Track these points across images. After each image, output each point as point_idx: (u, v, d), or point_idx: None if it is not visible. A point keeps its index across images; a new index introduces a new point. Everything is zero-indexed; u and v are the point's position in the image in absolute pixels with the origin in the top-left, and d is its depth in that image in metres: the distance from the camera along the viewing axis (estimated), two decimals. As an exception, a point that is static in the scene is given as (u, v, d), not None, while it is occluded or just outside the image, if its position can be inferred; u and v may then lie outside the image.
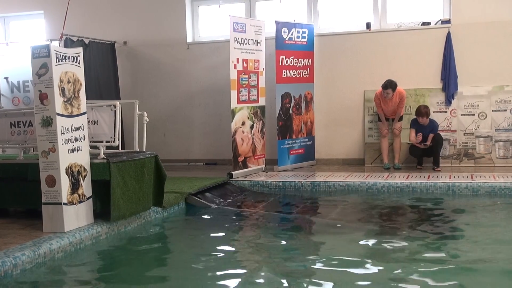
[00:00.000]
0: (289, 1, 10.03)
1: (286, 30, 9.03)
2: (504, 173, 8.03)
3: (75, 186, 5.31)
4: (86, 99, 5.54)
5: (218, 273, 4.55)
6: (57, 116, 5.13)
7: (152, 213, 6.37)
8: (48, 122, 5.14)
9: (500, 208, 6.70)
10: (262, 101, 8.98)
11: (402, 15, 9.57)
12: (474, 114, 9.05)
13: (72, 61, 5.30)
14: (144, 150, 6.41)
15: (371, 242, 5.40)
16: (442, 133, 8.84)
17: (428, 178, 7.80)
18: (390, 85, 8.70)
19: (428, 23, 9.30)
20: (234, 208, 6.99)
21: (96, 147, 5.84)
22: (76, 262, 4.92)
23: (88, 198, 5.48)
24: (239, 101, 8.51)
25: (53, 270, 4.64)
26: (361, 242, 5.36)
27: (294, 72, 9.21)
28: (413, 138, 8.68)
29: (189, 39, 10.42)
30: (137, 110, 6.39)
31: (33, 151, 6.28)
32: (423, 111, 8.64)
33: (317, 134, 9.71)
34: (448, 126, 9.12)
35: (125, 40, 10.58)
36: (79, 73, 5.39)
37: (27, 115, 5.99)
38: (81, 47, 5.83)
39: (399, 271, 4.43)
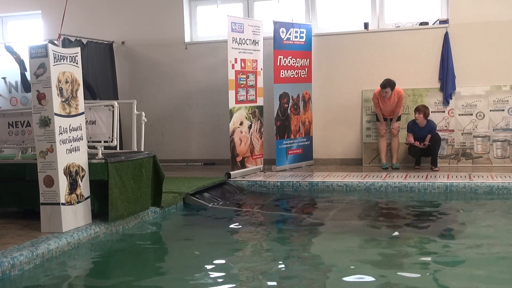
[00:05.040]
0: (287, 1, 10.03)
1: (284, 30, 9.03)
2: (501, 173, 8.05)
3: (73, 186, 5.31)
4: (84, 99, 5.53)
5: (216, 273, 4.55)
6: (55, 116, 5.13)
7: (150, 213, 6.37)
8: (46, 122, 5.14)
9: (498, 207, 6.71)
10: (260, 101, 8.98)
11: (400, 15, 9.58)
12: (472, 114, 9.06)
13: (70, 61, 5.30)
14: (142, 150, 6.40)
15: (369, 241, 5.40)
16: (440, 133, 8.86)
17: (426, 178, 7.81)
18: (388, 84, 8.71)
19: (426, 23, 9.31)
20: (232, 208, 6.99)
21: (94, 147, 5.83)
22: (74, 262, 4.92)
23: (86, 198, 5.48)
24: (237, 101, 8.51)
25: (51, 271, 4.64)
26: (359, 242, 5.37)
27: (292, 72, 9.21)
28: (410, 140, 8.68)
29: (187, 39, 10.42)
30: (135, 110, 6.38)
31: (31, 151, 6.27)
32: (421, 108, 8.65)
33: (315, 134, 9.72)
34: (446, 126, 9.13)
35: (123, 40, 10.57)
36: (77, 73, 5.38)
37: (25, 115, 5.98)
38: (79, 47, 5.81)
39: (397, 270, 4.43)
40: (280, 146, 9.08)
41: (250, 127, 8.76)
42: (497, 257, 4.76)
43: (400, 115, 9.01)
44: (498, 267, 4.50)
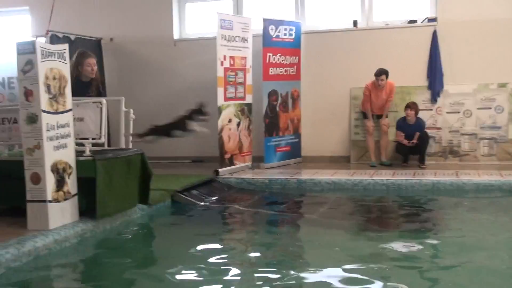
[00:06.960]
0: (277, -2, 10.04)
1: (274, 27, 9.03)
2: (488, 171, 8.11)
3: (60, 184, 5.28)
4: (72, 96, 5.50)
5: (204, 271, 4.55)
6: (42, 113, 5.09)
7: (138, 210, 6.35)
8: (33, 119, 5.11)
9: (484, 205, 6.76)
10: (249, 99, 8.98)
11: (389, 13, 9.61)
12: (459, 112, 9.11)
13: (57, 58, 5.27)
14: (130, 147, 6.39)
15: (356, 239, 5.43)
16: (427, 131, 8.90)
17: (414, 175, 7.85)
18: (383, 72, 8.74)
19: (415, 21, 9.35)
20: (220, 205, 6.99)
21: (82, 144, 5.81)
22: (61, 260, 4.89)
23: (73, 196, 5.45)
24: (226, 99, 8.51)
25: (37, 268, 4.61)
26: (347, 239, 5.40)
27: (281, 69, 9.22)
28: (401, 138, 8.71)
29: (176, 36, 10.39)
30: (123, 107, 6.36)
31: (18, 148, 6.23)
32: (411, 105, 8.69)
33: (303, 131, 9.73)
34: (433, 124, 9.17)
35: (112, 36, 10.51)
36: (65, 69, 5.36)
37: (12, 112, 5.95)
38: (67, 44, 5.78)
39: (384, 268, 4.45)
40: (268, 144, 9.09)
41: (238, 124, 8.76)
42: (483, 254, 4.79)
43: (387, 112, 9.04)
44: (484, 264, 4.53)
